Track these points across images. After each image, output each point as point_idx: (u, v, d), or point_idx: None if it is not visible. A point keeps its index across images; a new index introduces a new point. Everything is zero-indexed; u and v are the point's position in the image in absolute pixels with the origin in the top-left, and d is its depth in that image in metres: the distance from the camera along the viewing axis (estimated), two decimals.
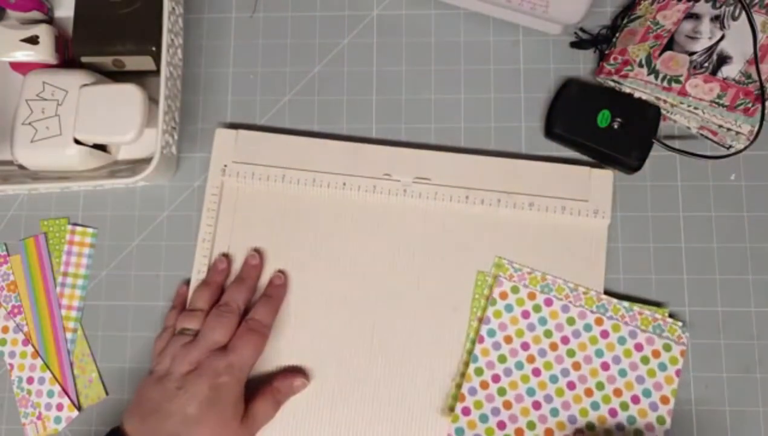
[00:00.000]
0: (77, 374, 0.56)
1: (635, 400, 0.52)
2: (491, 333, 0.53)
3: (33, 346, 0.56)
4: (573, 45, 0.59)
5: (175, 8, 0.57)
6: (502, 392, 0.52)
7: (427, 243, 0.56)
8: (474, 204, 0.55)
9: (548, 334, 0.53)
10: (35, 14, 0.59)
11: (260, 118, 0.60)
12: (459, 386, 0.53)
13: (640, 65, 0.55)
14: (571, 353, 0.53)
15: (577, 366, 0.52)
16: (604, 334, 0.53)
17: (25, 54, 0.56)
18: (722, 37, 0.54)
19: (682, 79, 0.54)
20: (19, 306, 0.57)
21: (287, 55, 0.61)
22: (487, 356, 0.53)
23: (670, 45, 0.55)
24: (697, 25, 0.55)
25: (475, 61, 0.60)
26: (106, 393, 0.56)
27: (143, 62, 0.57)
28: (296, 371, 0.54)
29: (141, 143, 0.55)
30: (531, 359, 0.52)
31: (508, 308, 0.53)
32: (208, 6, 0.62)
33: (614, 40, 0.57)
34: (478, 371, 0.52)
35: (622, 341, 0.52)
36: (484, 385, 0.52)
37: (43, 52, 0.56)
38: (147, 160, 0.54)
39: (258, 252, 0.56)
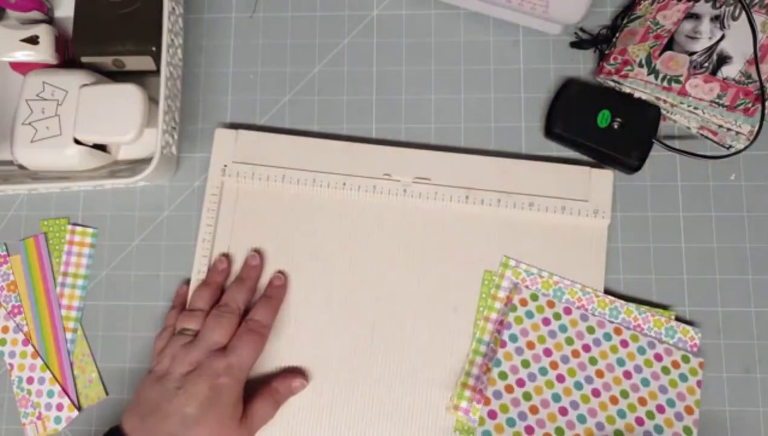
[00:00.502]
0: (77, 374, 0.56)
1: (660, 409, 0.51)
2: (513, 338, 0.53)
3: (33, 346, 0.56)
4: (573, 45, 0.59)
5: (175, 8, 0.57)
6: (527, 396, 0.52)
7: (427, 243, 0.56)
8: (474, 204, 0.55)
9: (570, 341, 0.53)
10: (35, 14, 0.59)
11: (260, 118, 0.60)
12: (464, 385, 0.53)
13: (640, 65, 0.55)
14: (593, 361, 0.52)
15: (600, 374, 0.52)
16: (624, 343, 0.53)
17: (25, 54, 0.56)
18: (722, 37, 0.54)
19: (682, 79, 0.54)
20: (19, 306, 0.57)
21: (287, 55, 0.61)
22: (510, 360, 0.52)
23: (670, 45, 0.55)
24: (697, 25, 0.55)
25: (475, 61, 0.60)
26: (106, 393, 0.56)
27: (143, 62, 0.57)
28: (295, 372, 0.54)
29: (141, 143, 0.55)
30: (554, 366, 0.52)
31: (529, 315, 0.53)
32: (208, 6, 0.62)
33: (614, 40, 0.57)
34: (502, 375, 0.52)
35: (641, 350, 0.52)
36: (509, 389, 0.52)
37: (43, 52, 0.56)
38: (147, 160, 0.54)
39: (258, 252, 0.56)
